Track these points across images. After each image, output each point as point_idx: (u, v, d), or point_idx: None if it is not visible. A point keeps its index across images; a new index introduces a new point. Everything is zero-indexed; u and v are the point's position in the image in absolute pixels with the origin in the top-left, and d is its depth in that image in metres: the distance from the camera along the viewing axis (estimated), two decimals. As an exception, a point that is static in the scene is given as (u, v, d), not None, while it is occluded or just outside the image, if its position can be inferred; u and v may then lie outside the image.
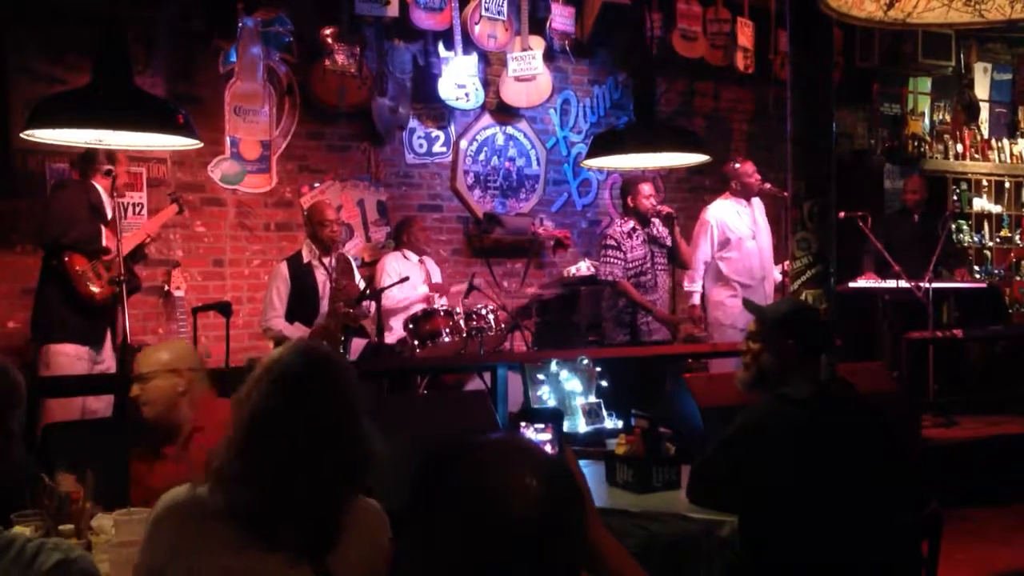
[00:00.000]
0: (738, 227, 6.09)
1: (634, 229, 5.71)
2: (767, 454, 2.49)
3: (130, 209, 5.69)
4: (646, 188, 5.74)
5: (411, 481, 1.11)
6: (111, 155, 4.94)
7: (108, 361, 4.98)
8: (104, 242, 4.87)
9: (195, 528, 1.69)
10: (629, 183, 5.87)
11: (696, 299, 6.21)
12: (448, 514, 1.06)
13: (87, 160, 4.99)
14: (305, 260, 5.38)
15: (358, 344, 5.37)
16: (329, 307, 5.24)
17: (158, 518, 1.73)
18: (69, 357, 4.74)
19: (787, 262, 5.01)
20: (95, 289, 4.77)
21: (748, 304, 3.02)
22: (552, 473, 1.10)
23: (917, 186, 7.22)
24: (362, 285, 5.50)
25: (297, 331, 5.24)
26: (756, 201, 6.24)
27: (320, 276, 5.35)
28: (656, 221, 5.76)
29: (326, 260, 5.38)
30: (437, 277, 6.19)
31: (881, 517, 2.43)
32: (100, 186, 4.97)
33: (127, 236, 5.01)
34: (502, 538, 1.04)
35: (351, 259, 5.62)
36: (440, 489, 1.09)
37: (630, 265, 5.65)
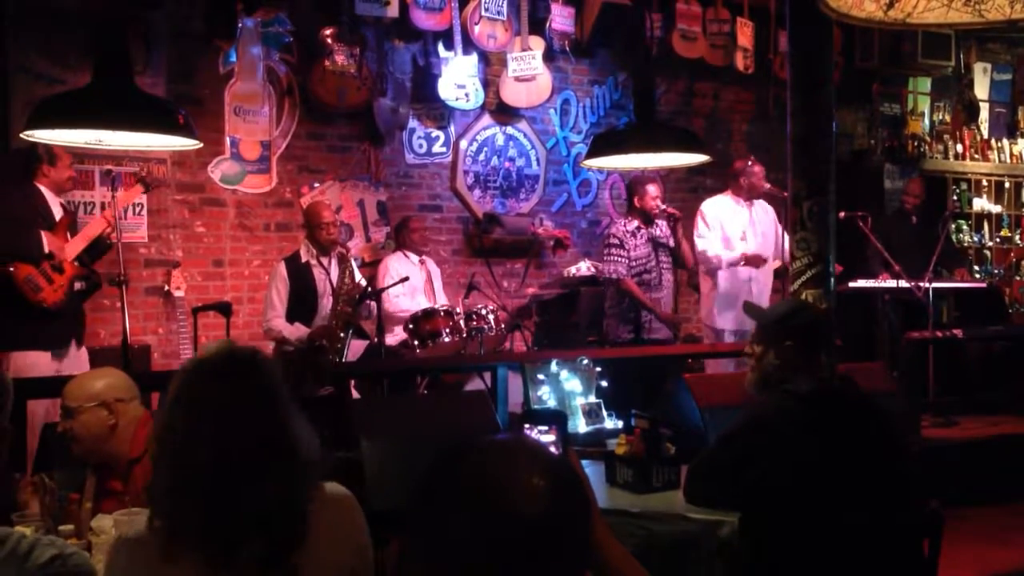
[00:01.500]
0: (731, 226, 6.09)
1: (638, 228, 5.72)
2: (769, 450, 2.49)
3: (130, 210, 5.69)
4: (652, 188, 5.74)
5: (417, 481, 1.11)
6: (51, 153, 4.78)
7: (77, 362, 4.81)
8: (46, 247, 4.67)
9: (146, 567, 1.59)
10: (636, 182, 5.87)
11: (734, 256, 5.94)
12: (455, 514, 1.06)
13: (28, 160, 4.81)
14: (303, 260, 5.37)
15: (358, 345, 5.36)
16: (332, 306, 5.24)
17: (110, 562, 1.65)
18: (27, 363, 4.59)
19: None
20: (44, 295, 4.60)
21: (748, 307, 3.02)
22: (558, 473, 1.10)
23: (917, 190, 7.22)
24: (363, 283, 5.50)
25: (297, 331, 5.23)
26: (761, 203, 6.22)
27: (319, 275, 5.34)
28: (660, 222, 5.76)
29: (325, 260, 5.37)
30: (438, 278, 6.20)
31: (882, 516, 2.43)
32: (43, 187, 4.82)
33: (84, 229, 4.88)
34: (508, 538, 1.04)
35: (351, 259, 5.60)
36: (447, 489, 1.09)
37: (633, 264, 5.66)
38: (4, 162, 5.17)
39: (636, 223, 5.73)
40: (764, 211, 6.23)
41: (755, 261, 5.93)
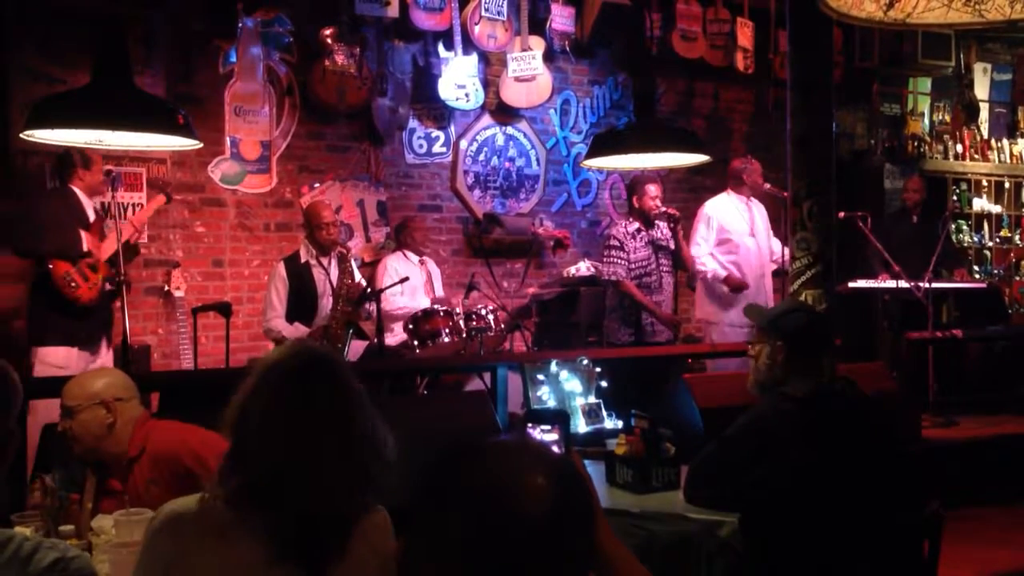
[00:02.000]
0: (737, 224, 6.08)
1: (638, 230, 5.69)
2: (767, 452, 2.49)
3: (130, 210, 5.69)
4: (652, 188, 5.70)
5: (420, 481, 1.11)
6: (85, 157, 4.97)
7: (105, 360, 4.99)
8: (85, 246, 4.88)
9: (193, 542, 1.63)
10: (636, 183, 5.85)
11: (720, 272, 5.94)
12: (458, 514, 1.06)
13: (63, 165, 5.03)
14: (303, 260, 5.36)
15: (358, 346, 5.36)
16: (332, 307, 5.24)
17: (156, 529, 1.68)
18: (59, 358, 4.77)
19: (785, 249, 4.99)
20: (79, 292, 4.81)
21: (748, 309, 3.02)
22: (562, 473, 1.10)
23: (917, 185, 7.22)
24: (363, 284, 5.50)
25: (297, 331, 5.23)
26: (756, 202, 6.22)
27: (318, 276, 5.34)
28: (660, 223, 5.74)
29: (324, 260, 5.37)
30: (438, 278, 6.19)
31: (882, 516, 2.43)
32: (78, 189, 5.01)
33: (112, 233, 5.03)
34: (511, 538, 1.03)
35: (351, 258, 5.60)
36: (450, 489, 1.08)
37: (633, 266, 5.64)
38: (40, 167, 5.35)
39: (636, 224, 5.71)
40: (760, 208, 6.24)
41: (736, 285, 5.88)
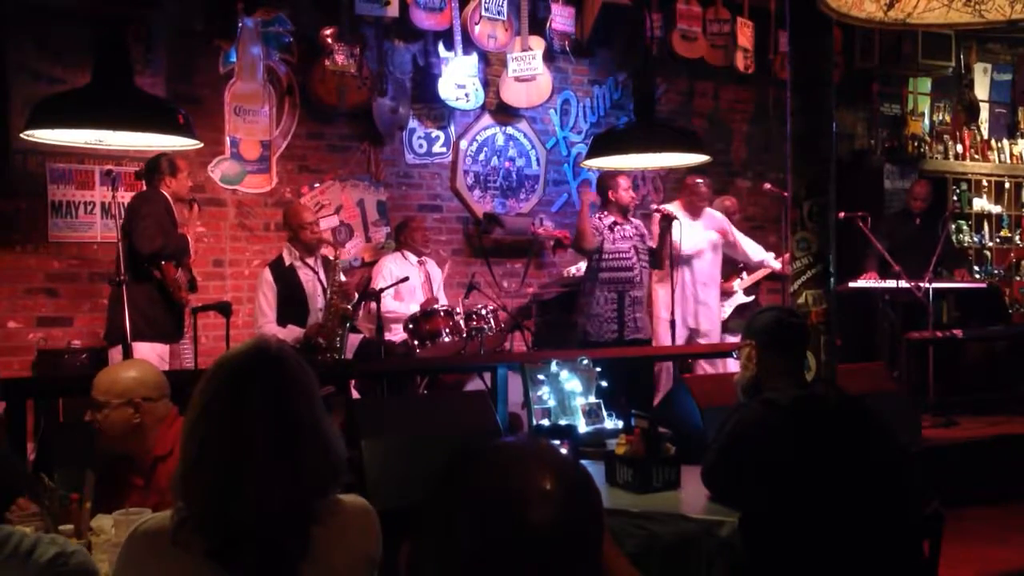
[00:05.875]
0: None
1: (615, 223, 5.67)
2: (755, 459, 2.49)
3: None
4: (624, 181, 5.73)
5: (430, 482, 1.11)
6: (172, 165, 5.07)
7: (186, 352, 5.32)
8: (191, 249, 5.14)
9: (156, 561, 1.57)
10: (606, 177, 5.83)
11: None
12: (463, 517, 1.05)
13: (151, 171, 5.10)
14: (287, 263, 5.30)
15: (353, 340, 5.35)
16: (326, 304, 5.21)
17: (122, 553, 1.64)
18: (156, 352, 4.89)
19: (787, 254, 5.00)
20: (183, 294, 5.04)
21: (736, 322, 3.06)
22: (570, 478, 1.09)
23: (924, 193, 7.20)
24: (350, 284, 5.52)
25: (291, 332, 5.17)
26: (711, 220, 6.24)
27: (305, 276, 5.29)
28: (634, 220, 5.74)
29: (310, 260, 5.34)
30: (438, 280, 6.18)
31: (880, 516, 2.42)
32: (167, 194, 5.11)
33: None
34: (516, 543, 1.03)
35: (338, 262, 5.58)
36: (457, 491, 1.08)
37: (608, 256, 5.60)
38: (135, 172, 5.44)
39: (612, 219, 5.68)
40: (714, 224, 6.27)
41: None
